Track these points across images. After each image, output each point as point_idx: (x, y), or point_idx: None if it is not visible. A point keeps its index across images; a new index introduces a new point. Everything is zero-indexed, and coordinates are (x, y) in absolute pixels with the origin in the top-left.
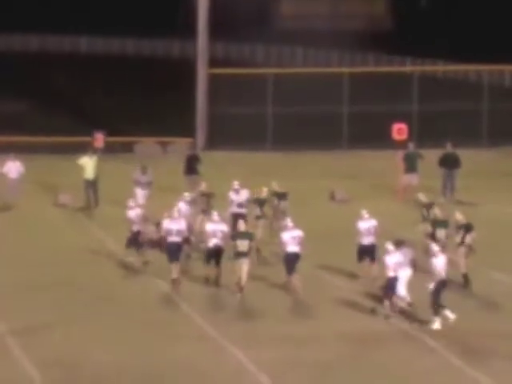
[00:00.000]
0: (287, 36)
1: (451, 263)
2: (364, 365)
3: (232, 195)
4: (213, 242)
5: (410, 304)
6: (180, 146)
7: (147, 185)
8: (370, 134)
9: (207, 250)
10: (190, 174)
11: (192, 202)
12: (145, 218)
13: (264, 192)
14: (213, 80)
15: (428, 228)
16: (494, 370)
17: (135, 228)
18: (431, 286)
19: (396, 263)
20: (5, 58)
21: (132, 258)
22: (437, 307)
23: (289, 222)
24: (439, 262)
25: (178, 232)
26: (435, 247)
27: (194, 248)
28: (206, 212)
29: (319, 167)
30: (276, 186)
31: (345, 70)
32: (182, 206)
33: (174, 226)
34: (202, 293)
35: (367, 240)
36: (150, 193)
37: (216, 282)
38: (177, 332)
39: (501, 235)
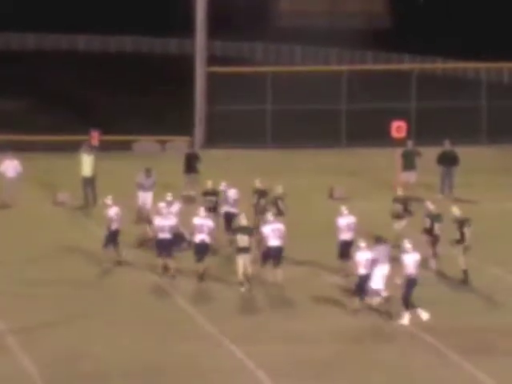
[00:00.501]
0: (286, 34)
1: (448, 259)
2: (362, 361)
3: (222, 196)
4: (199, 238)
5: (386, 299)
6: (178, 144)
7: (151, 187)
8: (368, 131)
9: (194, 247)
10: (190, 172)
11: (191, 201)
12: (147, 219)
13: (279, 189)
14: (211, 78)
15: (401, 224)
16: (492, 367)
17: (114, 226)
18: (399, 281)
19: (367, 260)
20: (2, 57)
21: (109, 257)
22: (408, 305)
23: (270, 215)
24: (410, 259)
25: (170, 228)
26: (407, 244)
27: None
28: (214, 210)
29: (318, 165)
30: (259, 183)
31: (343, 67)
32: (163, 206)
33: (166, 222)
34: (201, 290)
35: (347, 236)
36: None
37: (201, 277)
38: (176, 329)
39: (500, 232)
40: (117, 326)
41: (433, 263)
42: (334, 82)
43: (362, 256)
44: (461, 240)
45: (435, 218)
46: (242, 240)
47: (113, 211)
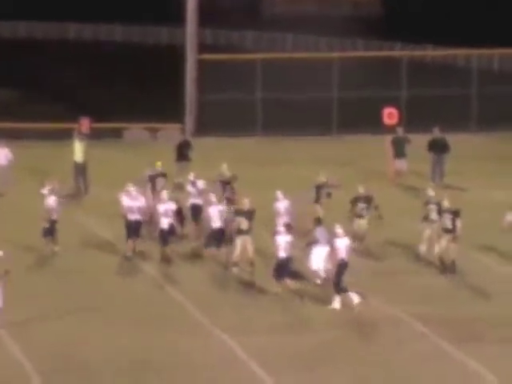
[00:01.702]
0: (277, 22)
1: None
2: (354, 350)
3: (189, 187)
4: (166, 222)
5: (323, 280)
6: (169, 133)
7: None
8: (359, 119)
9: (161, 231)
10: (181, 160)
11: (182, 188)
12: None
13: (322, 178)
14: (202, 66)
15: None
16: (482, 355)
17: (54, 216)
18: (330, 266)
19: (287, 243)
20: None
21: (57, 248)
22: (339, 288)
23: (213, 197)
24: (341, 244)
25: (139, 209)
26: (338, 229)
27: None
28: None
29: (309, 153)
30: (225, 169)
31: (334, 54)
32: (132, 189)
33: (135, 203)
34: (192, 280)
35: (284, 220)
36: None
37: (168, 259)
38: (168, 321)
39: (490, 220)
40: (109, 319)
41: (437, 248)
42: (324, 70)
43: (282, 239)
44: (451, 230)
45: (438, 204)
46: (243, 223)
47: (52, 201)
